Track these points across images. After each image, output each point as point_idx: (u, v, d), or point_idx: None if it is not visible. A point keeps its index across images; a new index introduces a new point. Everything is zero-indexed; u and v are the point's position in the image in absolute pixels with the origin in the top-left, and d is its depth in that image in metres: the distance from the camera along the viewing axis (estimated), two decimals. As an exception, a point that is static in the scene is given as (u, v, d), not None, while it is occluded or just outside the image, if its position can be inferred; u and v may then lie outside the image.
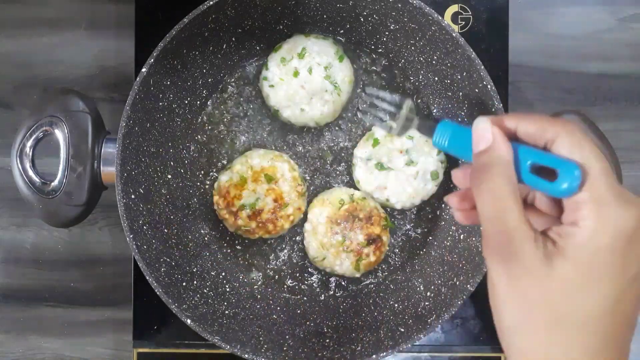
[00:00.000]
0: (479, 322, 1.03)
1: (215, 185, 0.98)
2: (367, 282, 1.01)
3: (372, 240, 0.96)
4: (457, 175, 0.58)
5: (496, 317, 0.50)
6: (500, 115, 0.56)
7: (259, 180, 0.96)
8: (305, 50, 0.96)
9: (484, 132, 0.54)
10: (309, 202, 1.00)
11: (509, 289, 0.49)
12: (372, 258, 0.96)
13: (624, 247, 0.46)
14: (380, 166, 0.96)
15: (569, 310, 0.47)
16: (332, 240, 0.96)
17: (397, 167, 0.96)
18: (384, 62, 1.01)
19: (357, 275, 0.98)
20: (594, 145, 0.50)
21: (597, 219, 0.47)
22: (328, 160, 1.02)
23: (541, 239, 0.49)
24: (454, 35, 0.86)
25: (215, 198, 0.98)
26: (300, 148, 1.02)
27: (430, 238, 1.01)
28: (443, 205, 1.01)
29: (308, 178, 1.02)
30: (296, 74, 0.95)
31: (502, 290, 0.49)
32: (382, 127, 0.74)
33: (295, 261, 1.01)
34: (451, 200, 0.58)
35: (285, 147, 1.02)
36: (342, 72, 0.97)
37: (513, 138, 0.54)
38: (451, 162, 0.99)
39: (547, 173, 0.51)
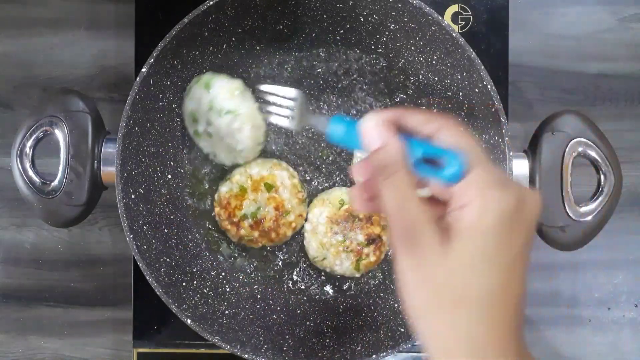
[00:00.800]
0: (479, 322, 1.03)
1: (216, 196, 0.98)
2: (367, 282, 1.01)
3: (372, 240, 0.96)
4: (355, 170, 0.59)
5: (406, 303, 0.53)
6: (386, 110, 0.59)
7: (259, 190, 0.96)
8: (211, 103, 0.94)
9: (374, 131, 0.58)
10: (309, 202, 1.00)
11: (414, 274, 0.52)
12: (372, 258, 0.96)
13: (507, 225, 0.50)
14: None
15: (467, 288, 0.50)
16: (332, 240, 0.96)
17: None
18: (383, 62, 1.01)
19: (357, 275, 0.98)
20: (471, 136, 0.55)
21: (481, 200, 0.51)
22: (328, 160, 1.02)
23: (438, 225, 0.52)
24: (454, 35, 0.86)
25: (217, 209, 0.98)
26: (300, 148, 1.02)
27: (430, 238, 1.00)
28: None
29: (308, 178, 1.02)
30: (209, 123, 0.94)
31: (409, 276, 0.52)
32: (280, 122, 0.76)
33: (295, 261, 1.01)
34: (353, 192, 0.61)
35: (285, 147, 1.02)
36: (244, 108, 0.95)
37: (402, 131, 0.58)
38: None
39: (435, 163, 0.56)
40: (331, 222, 0.96)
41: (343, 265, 0.96)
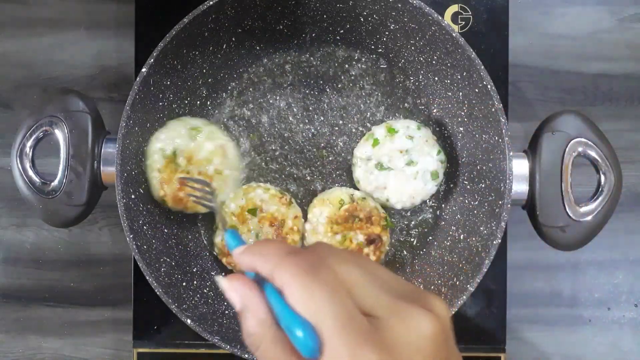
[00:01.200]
0: (479, 322, 1.03)
1: (215, 250, 0.98)
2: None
3: (372, 241, 0.95)
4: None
5: None
6: (241, 251, 0.52)
7: (247, 219, 0.95)
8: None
9: (231, 293, 0.50)
10: (309, 202, 1.00)
11: None
12: (372, 258, 0.96)
13: None
14: (380, 166, 0.96)
15: None
16: (332, 240, 0.95)
17: (397, 167, 0.96)
18: (383, 62, 1.01)
19: None
20: (327, 288, 0.44)
21: None
22: (327, 161, 1.02)
23: None
24: (454, 35, 0.86)
25: (224, 260, 0.97)
26: (299, 148, 1.02)
27: (430, 238, 1.01)
28: (443, 205, 1.01)
29: (309, 178, 1.02)
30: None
31: None
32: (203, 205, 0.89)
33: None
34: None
35: (285, 146, 1.02)
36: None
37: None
38: (451, 163, 0.99)
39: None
40: (331, 222, 0.96)
41: None
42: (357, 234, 0.95)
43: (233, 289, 0.49)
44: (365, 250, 0.95)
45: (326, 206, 0.96)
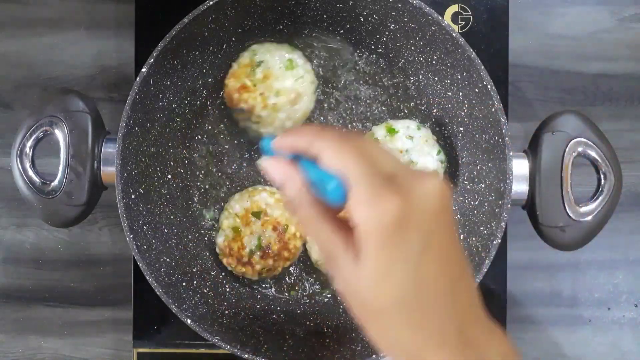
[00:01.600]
0: (479, 322, 1.03)
1: (217, 249, 0.98)
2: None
3: None
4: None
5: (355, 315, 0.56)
6: (280, 138, 0.61)
7: (251, 222, 0.95)
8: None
9: (272, 169, 0.60)
10: None
11: (344, 291, 0.55)
12: None
13: (395, 232, 0.50)
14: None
15: (381, 299, 0.52)
16: None
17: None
18: (383, 62, 1.01)
19: None
20: (355, 151, 0.53)
21: (361, 218, 0.51)
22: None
23: (350, 244, 0.53)
24: (453, 35, 0.86)
25: (225, 261, 0.97)
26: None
27: (430, 238, 1.00)
28: (443, 205, 1.00)
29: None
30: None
31: (341, 292, 0.56)
32: None
33: (295, 262, 1.01)
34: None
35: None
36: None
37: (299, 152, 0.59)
38: (451, 163, 0.99)
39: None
40: None
41: None
42: None
43: (273, 167, 0.59)
44: None
45: None
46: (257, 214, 0.95)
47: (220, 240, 0.97)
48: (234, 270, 0.97)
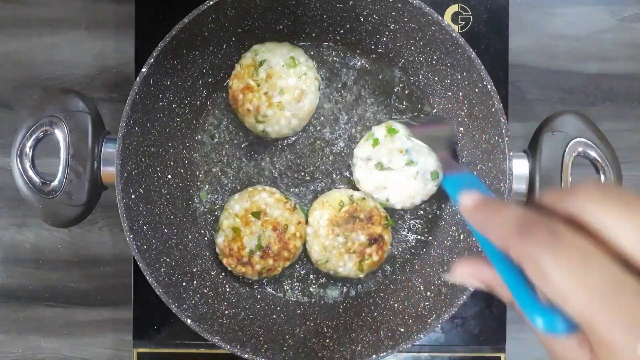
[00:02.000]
0: (479, 322, 1.03)
1: (217, 250, 0.98)
2: (367, 282, 1.01)
3: (374, 240, 0.95)
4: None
5: None
6: (468, 207, 0.46)
7: (250, 222, 0.96)
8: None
9: (468, 284, 0.47)
10: (309, 202, 1.00)
11: None
12: (375, 258, 0.96)
13: None
14: (380, 166, 0.96)
15: None
16: (334, 242, 0.95)
17: (397, 167, 0.96)
18: (383, 62, 1.01)
19: (361, 276, 0.98)
20: (577, 258, 0.35)
21: None
22: (328, 161, 1.02)
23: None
24: (453, 35, 0.86)
25: (225, 261, 0.97)
26: (300, 147, 1.02)
27: (430, 238, 1.01)
28: (443, 205, 1.01)
29: (308, 178, 1.02)
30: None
31: None
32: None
33: (297, 263, 1.01)
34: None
35: (285, 146, 1.02)
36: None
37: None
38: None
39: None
40: (332, 224, 0.96)
41: (346, 266, 0.96)
42: (359, 234, 0.95)
43: (470, 278, 0.46)
44: (368, 250, 0.95)
45: (326, 209, 0.96)
46: (256, 214, 0.95)
47: (220, 240, 0.97)
48: (234, 270, 0.97)
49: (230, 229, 0.96)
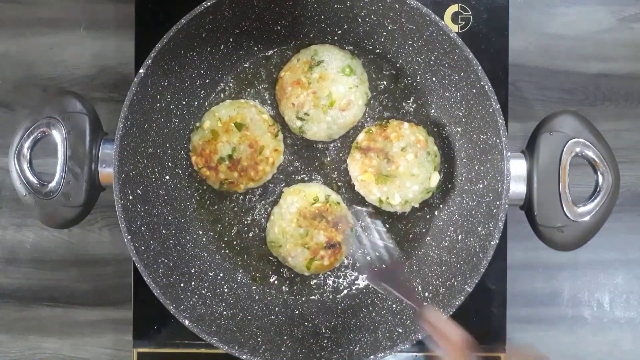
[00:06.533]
0: (478, 322, 1.03)
1: (190, 146, 0.98)
2: (365, 282, 1.01)
3: (331, 245, 0.96)
4: None
5: None
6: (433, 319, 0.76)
7: (231, 131, 0.96)
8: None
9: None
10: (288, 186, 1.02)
11: None
12: (326, 262, 0.96)
13: None
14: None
15: None
16: (294, 231, 0.96)
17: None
18: (381, 62, 1.01)
19: (306, 273, 0.98)
20: None
21: None
22: (325, 160, 1.02)
23: None
24: (451, 35, 0.85)
25: (194, 159, 0.98)
26: (298, 147, 1.02)
27: (428, 239, 1.00)
28: (441, 205, 1.00)
29: (306, 178, 1.02)
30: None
31: None
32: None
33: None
34: None
35: (286, 147, 1.01)
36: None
37: None
38: (449, 163, 0.99)
39: None
40: (299, 214, 0.96)
41: (296, 259, 0.97)
42: (320, 234, 0.96)
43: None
44: (322, 252, 0.96)
45: (300, 197, 0.97)
46: (239, 126, 0.96)
47: (196, 137, 0.98)
48: (199, 171, 0.98)
49: (210, 130, 0.97)
